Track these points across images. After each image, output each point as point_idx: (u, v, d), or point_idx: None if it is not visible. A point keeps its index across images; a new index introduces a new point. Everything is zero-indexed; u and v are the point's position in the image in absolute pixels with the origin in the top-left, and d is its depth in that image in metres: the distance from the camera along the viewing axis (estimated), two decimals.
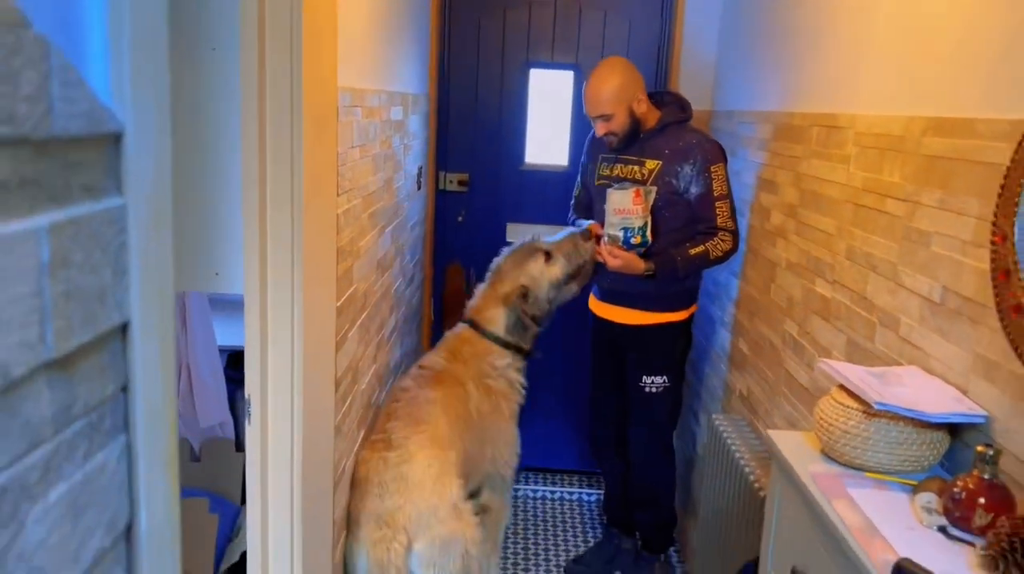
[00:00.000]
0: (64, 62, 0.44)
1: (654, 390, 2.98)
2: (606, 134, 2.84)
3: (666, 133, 2.85)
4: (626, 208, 2.72)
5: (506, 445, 2.77)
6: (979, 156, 1.53)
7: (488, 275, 2.97)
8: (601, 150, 3.02)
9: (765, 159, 2.78)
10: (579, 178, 3.22)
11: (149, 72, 0.51)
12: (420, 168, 3.56)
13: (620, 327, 3.02)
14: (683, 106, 2.90)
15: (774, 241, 2.64)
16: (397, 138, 2.95)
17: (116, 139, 0.51)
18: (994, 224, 1.43)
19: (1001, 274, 1.41)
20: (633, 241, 2.74)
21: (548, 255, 2.89)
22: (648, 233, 2.75)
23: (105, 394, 0.52)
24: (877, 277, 1.91)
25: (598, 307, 3.11)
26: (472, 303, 2.94)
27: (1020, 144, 1.37)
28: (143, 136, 0.52)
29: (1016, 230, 1.37)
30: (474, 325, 2.85)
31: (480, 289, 2.97)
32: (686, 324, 3.02)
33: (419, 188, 3.55)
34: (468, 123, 3.86)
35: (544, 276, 2.88)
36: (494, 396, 2.72)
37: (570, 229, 2.99)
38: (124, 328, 0.53)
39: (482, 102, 3.84)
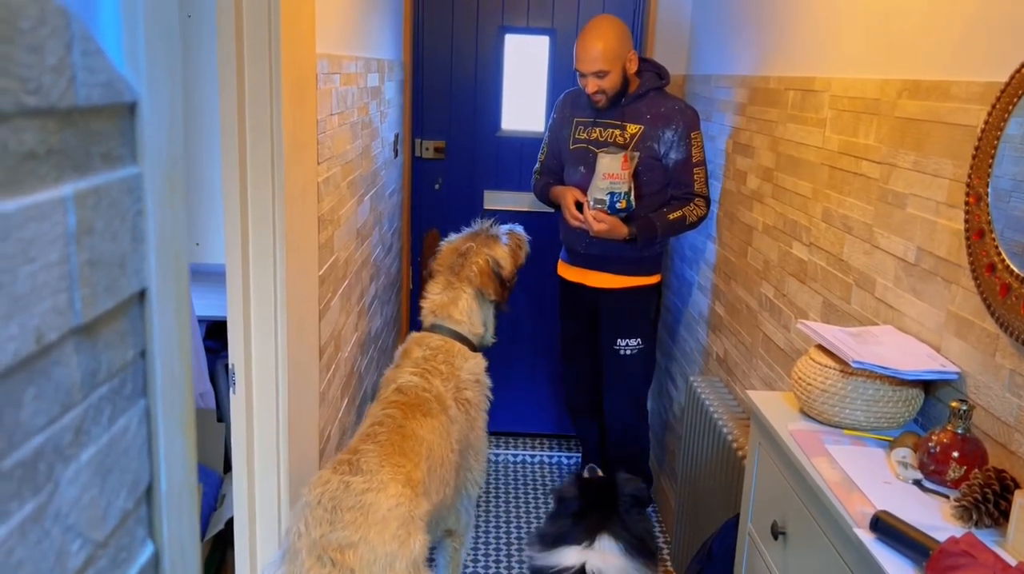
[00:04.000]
0: (84, 32, 0.44)
1: (628, 352, 3.02)
2: (596, 92, 2.82)
3: (647, 98, 2.87)
4: (615, 173, 2.73)
5: (478, 462, 2.48)
6: (953, 118, 1.56)
7: (437, 270, 2.65)
8: (576, 113, 3.00)
9: (741, 123, 2.81)
10: (544, 143, 3.18)
11: (162, 41, 0.52)
12: (396, 135, 3.54)
13: (594, 291, 3.04)
14: (660, 73, 2.92)
15: (750, 205, 2.67)
16: (374, 105, 2.94)
17: (131, 109, 0.51)
18: (968, 185, 1.47)
19: (975, 234, 1.45)
20: (618, 206, 2.76)
21: (500, 241, 2.72)
22: (632, 198, 2.78)
23: (126, 359, 0.53)
24: (853, 239, 1.94)
25: (569, 271, 3.12)
26: (432, 304, 2.56)
27: (994, 106, 1.40)
28: (157, 105, 0.52)
29: (990, 191, 1.41)
30: (436, 329, 2.51)
31: (433, 288, 2.60)
32: (657, 287, 3.08)
33: (396, 156, 3.54)
34: (443, 90, 3.84)
35: (507, 258, 2.69)
36: (472, 410, 2.40)
37: (508, 226, 2.83)
38: (142, 295, 0.54)
39: (457, 68, 3.82)
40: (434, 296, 2.57)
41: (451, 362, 2.40)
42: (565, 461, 4.02)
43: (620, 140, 2.87)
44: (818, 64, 2.22)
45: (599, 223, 2.77)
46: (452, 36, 3.79)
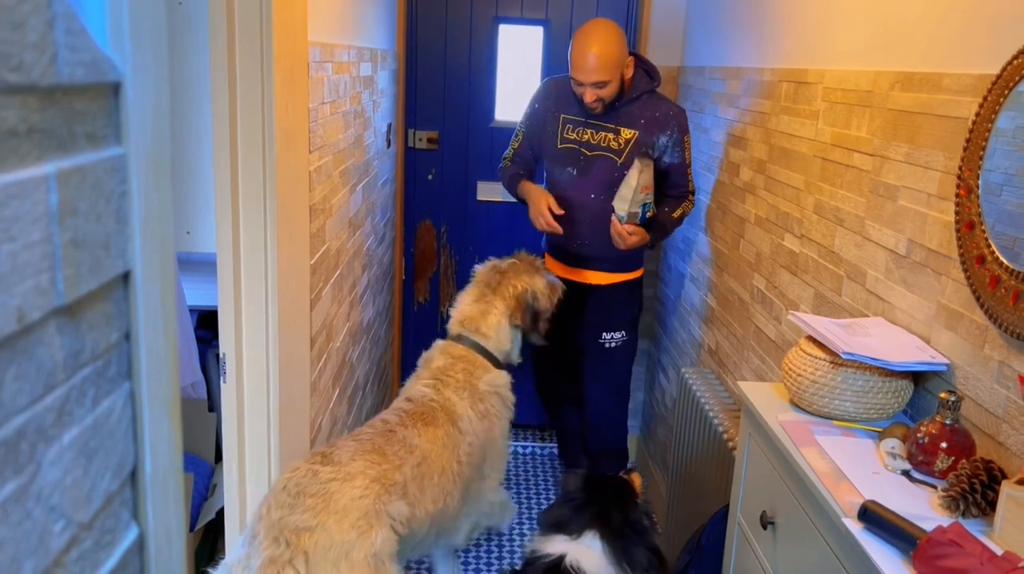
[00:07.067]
0: (67, 9, 0.44)
1: (613, 345, 3.02)
2: (595, 101, 2.74)
3: (640, 101, 2.82)
4: (648, 184, 2.67)
5: (495, 471, 2.39)
6: (945, 110, 1.56)
7: (476, 284, 2.57)
8: (563, 109, 2.92)
9: (735, 115, 2.81)
10: (520, 131, 3.04)
11: (147, 22, 0.52)
12: (389, 125, 3.53)
13: (586, 287, 3.01)
14: (651, 73, 2.86)
15: (743, 197, 2.67)
16: (367, 94, 2.93)
17: (116, 89, 0.51)
18: (959, 177, 1.47)
19: (965, 226, 1.45)
20: (648, 215, 2.75)
21: (542, 274, 2.66)
22: (653, 205, 2.78)
23: (110, 341, 0.53)
24: (844, 231, 1.95)
25: (562, 270, 3.06)
26: (461, 315, 2.49)
27: (985, 98, 1.40)
28: (142, 86, 0.52)
29: (981, 183, 1.41)
30: (461, 339, 2.44)
31: (465, 298, 2.53)
32: (641, 281, 3.08)
33: (389, 146, 3.53)
34: (437, 80, 3.83)
35: (545, 294, 2.61)
36: (488, 420, 2.33)
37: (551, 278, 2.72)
38: (126, 277, 0.54)
39: (451, 58, 3.81)
40: (464, 307, 2.50)
41: (471, 372, 2.34)
42: (545, 451, 4.03)
43: (615, 144, 2.82)
44: (812, 56, 2.22)
45: (632, 236, 2.72)
46: (446, 26, 3.78)
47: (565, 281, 3.03)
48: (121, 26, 0.50)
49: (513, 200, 3.11)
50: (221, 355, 1.91)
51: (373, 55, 3.04)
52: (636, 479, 2.43)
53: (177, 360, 0.60)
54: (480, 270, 2.60)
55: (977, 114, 1.42)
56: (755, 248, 2.53)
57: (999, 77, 1.37)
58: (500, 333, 2.47)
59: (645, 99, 2.83)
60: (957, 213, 1.48)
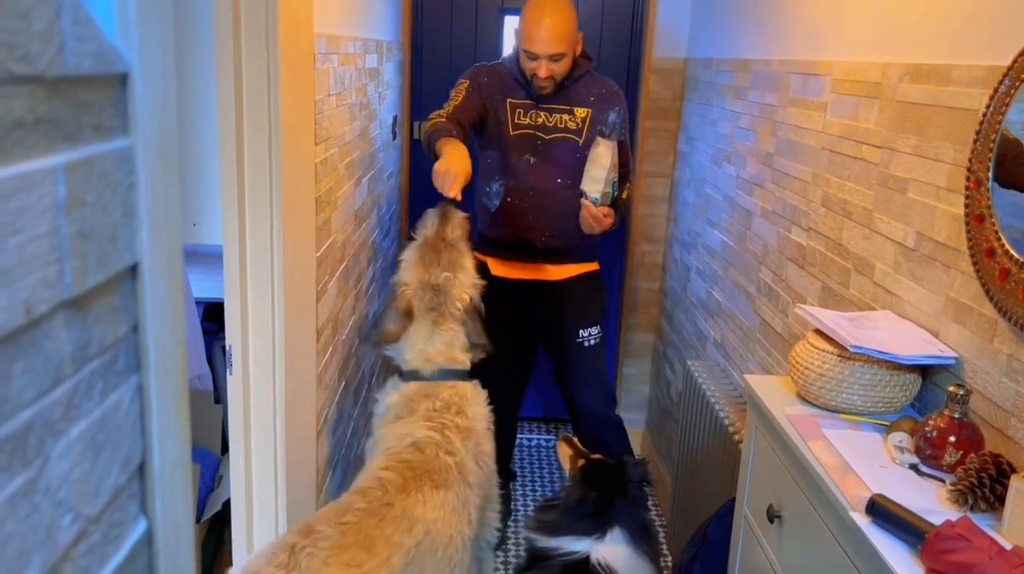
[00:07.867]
0: None
1: (592, 342, 2.89)
2: (548, 77, 2.64)
3: (584, 80, 2.77)
4: (616, 162, 2.61)
5: (494, 509, 2.23)
6: (955, 102, 1.55)
7: (422, 315, 2.27)
8: (508, 94, 2.77)
9: (742, 107, 2.79)
10: (463, 95, 2.78)
11: (154, 12, 0.51)
12: (395, 117, 3.53)
13: (551, 285, 2.91)
14: (585, 54, 2.81)
15: (750, 189, 2.66)
16: (372, 86, 2.92)
17: (123, 80, 0.51)
18: (969, 170, 1.46)
19: (975, 219, 1.44)
20: (615, 195, 2.70)
21: (458, 247, 2.39)
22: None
23: (118, 334, 0.52)
24: (852, 224, 1.94)
25: (519, 270, 2.90)
26: (426, 354, 2.23)
27: (996, 90, 1.39)
28: (149, 77, 0.52)
29: (990, 175, 1.40)
30: (443, 374, 2.23)
31: (418, 335, 2.25)
32: (600, 272, 3.04)
33: (394, 138, 3.53)
34: (442, 72, 3.82)
35: (473, 268, 2.39)
36: (489, 461, 2.16)
37: (433, 211, 2.44)
38: (134, 269, 0.54)
39: (456, 50, 3.80)
40: (426, 346, 2.24)
41: (464, 412, 2.14)
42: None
43: (572, 125, 2.76)
44: (820, 47, 2.20)
45: (608, 218, 2.61)
46: (451, 17, 3.76)
47: (527, 282, 2.90)
48: (128, 16, 0.49)
49: None
50: (227, 347, 1.91)
51: (379, 47, 3.03)
52: (564, 445, 2.42)
53: (185, 353, 0.60)
54: (414, 292, 2.28)
55: (987, 106, 1.41)
56: (762, 241, 2.53)
57: (1010, 69, 1.36)
58: (465, 348, 2.29)
59: (588, 78, 2.78)
60: (967, 206, 1.47)
